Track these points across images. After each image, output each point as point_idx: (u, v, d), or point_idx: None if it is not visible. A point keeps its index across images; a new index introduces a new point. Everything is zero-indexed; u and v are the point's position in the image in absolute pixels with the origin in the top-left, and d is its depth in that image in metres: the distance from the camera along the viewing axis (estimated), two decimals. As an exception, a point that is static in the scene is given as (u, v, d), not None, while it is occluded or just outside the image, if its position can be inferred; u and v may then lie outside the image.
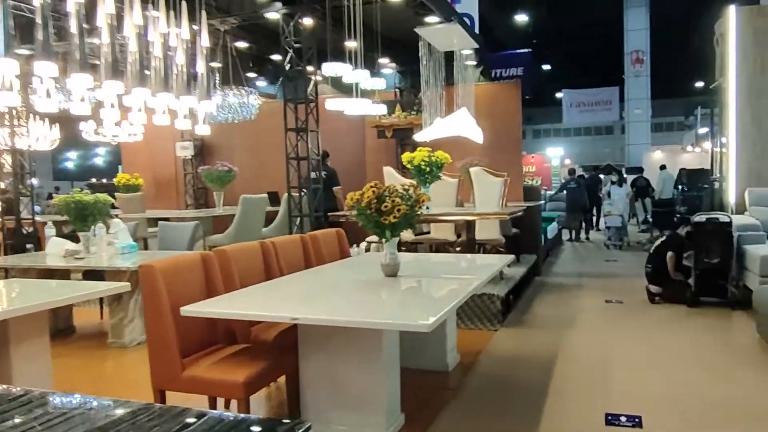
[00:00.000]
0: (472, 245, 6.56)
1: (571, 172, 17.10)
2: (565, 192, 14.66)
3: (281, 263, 4.23)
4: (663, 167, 15.92)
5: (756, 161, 8.04)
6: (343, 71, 6.58)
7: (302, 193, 8.04)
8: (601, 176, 15.97)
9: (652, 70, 24.57)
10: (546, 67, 35.84)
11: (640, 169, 16.10)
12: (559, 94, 35.20)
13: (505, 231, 7.56)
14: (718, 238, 6.82)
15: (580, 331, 5.97)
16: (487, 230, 7.12)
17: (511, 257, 5.21)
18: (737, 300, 6.73)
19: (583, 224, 14.31)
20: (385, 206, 3.51)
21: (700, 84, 40.29)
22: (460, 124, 7.60)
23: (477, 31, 13.91)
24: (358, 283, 3.95)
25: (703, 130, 30.12)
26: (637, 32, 24.03)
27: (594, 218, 15.13)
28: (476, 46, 8.91)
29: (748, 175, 8.08)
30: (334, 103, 7.68)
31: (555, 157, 24.91)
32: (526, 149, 30.11)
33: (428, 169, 6.29)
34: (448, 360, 4.64)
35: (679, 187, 12.98)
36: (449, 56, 8.73)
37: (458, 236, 7.16)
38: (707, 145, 22.53)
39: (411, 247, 7.12)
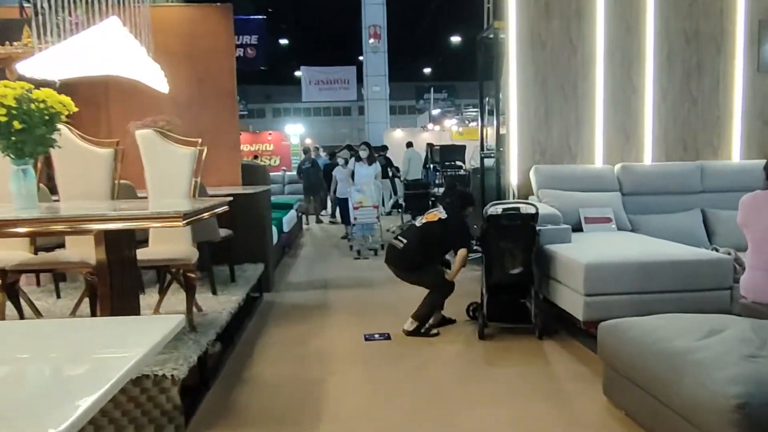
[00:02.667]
0: (125, 270, 3.33)
1: (306, 151, 15.17)
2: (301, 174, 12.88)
3: None
4: (410, 144, 14.14)
5: (542, 131, 6.05)
6: None
7: None
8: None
9: (388, 48, 23.23)
10: (284, 41, 33.12)
11: (384, 147, 14.13)
12: (298, 72, 32.81)
13: (205, 237, 4.50)
14: (521, 239, 4.55)
15: (328, 422, 3.18)
16: (169, 240, 3.98)
17: (177, 321, 2.15)
18: (543, 325, 4.56)
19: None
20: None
21: (428, 70, 41.43)
22: (106, 52, 4.30)
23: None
24: None
25: (435, 111, 30.13)
26: (374, 6, 22.40)
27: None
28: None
29: (532, 149, 6.06)
30: None
31: (294, 135, 22.35)
32: (268, 129, 27.16)
33: (25, 123, 2.91)
34: None
35: (430, 166, 11.15)
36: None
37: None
38: (448, 123, 21.83)
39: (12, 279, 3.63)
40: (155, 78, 5.00)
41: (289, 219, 9.11)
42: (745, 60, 6.18)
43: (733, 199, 3.70)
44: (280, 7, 26.59)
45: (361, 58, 31.29)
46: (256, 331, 4.85)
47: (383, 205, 10.86)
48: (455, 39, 33.21)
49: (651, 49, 6.10)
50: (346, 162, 9.66)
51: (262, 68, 26.59)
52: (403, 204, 10.21)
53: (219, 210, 3.48)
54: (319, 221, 13.27)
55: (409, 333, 4.70)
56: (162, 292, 4.21)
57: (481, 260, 4.86)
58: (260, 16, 24.32)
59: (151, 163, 4.05)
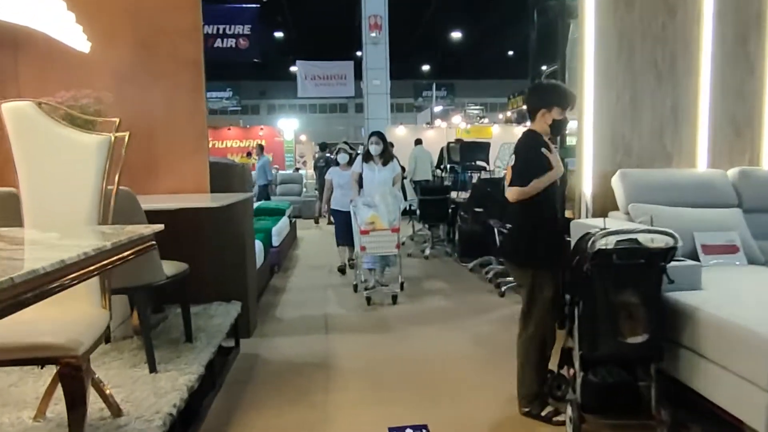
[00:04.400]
0: None
1: (323, 147, 13.67)
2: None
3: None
4: (419, 141, 12.34)
5: (627, 123, 4.30)
6: None
7: None
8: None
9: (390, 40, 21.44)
10: (279, 34, 31.31)
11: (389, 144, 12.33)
12: (294, 68, 30.96)
13: (136, 280, 2.72)
14: (645, 287, 2.80)
15: None
16: (55, 300, 2.19)
17: None
18: (672, 421, 2.81)
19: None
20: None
21: (426, 67, 39.67)
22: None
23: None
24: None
25: (437, 108, 28.36)
26: (374, -6, 20.58)
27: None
28: None
29: (613, 147, 4.31)
30: None
31: (288, 129, 20.50)
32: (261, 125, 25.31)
33: None
34: None
35: (446, 166, 9.39)
36: None
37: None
38: (456, 120, 20.06)
39: None
40: (68, 31, 3.21)
41: (279, 229, 7.31)
42: None
43: None
44: (276, -2, 24.79)
45: (359, 53, 29.56)
46: (221, 424, 3.06)
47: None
48: (456, 35, 31.52)
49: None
50: (350, 159, 7.04)
51: (256, 61, 24.83)
52: (418, 211, 8.42)
53: (141, 244, 1.72)
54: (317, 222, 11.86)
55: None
56: (47, 395, 2.41)
57: (568, 315, 3.08)
58: (254, 5, 22.53)
59: (27, 159, 2.26)
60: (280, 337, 4.62)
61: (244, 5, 22.54)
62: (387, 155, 6.16)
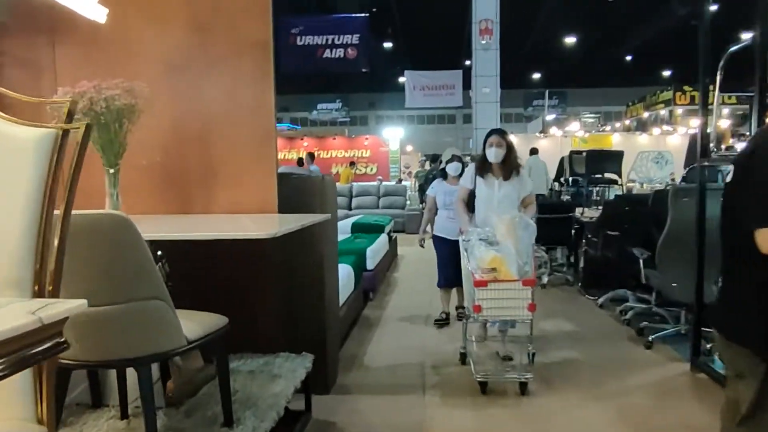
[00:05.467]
0: None
1: (434, 159, 12.68)
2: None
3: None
4: (534, 151, 11.01)
5: None
6: None
7: None
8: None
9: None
10: (388, 45, 30.73)
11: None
12: (402, 79, 30.26)
13: (138, 349, 1.76)
14: None
15: None
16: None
17: None
18: None
19: None
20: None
21: (537, 75, 37.69)
22: None
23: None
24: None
25: (550, 117, 26.55)
26: (486, -1, 19.36)
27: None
28: None
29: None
30: None
31: (394, 139, 19.62)
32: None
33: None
34: None
35: (566, 179, 8.02)
36: None
37: None
38: (575, 128, 18.39)
39: None
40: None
41: (376, 250, 6.30)
42: None
43: None
44: (385, 8, 24.13)
45: (468, 62, 28.34)
46: None
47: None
48: (569, 40, 29.54)
49: None
50: (461, 167, 5.08)
51: (364, 71, 24.30)
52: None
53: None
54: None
55: None
56: None
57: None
58: (363, 14, 21.96)
59: None
60: (365, 395, 3.56)
61: (353, 15, 22.01)
62: (511, 164, 4.20)
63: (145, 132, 2.71)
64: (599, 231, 5.82)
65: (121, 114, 2.55)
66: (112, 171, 2.60)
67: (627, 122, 23.48)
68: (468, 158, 14.65)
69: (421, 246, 5.59)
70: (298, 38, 22.34)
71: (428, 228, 5.44)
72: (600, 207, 6.96)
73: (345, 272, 4.81)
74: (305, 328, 3.29)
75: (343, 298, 4.45)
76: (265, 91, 3.06)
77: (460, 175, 4.90)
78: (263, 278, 3.13)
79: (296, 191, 3.32)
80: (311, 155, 14.07)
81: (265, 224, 2.66)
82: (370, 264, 5.93)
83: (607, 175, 7.55)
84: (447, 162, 5.23)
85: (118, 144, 2.59)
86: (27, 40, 3.15)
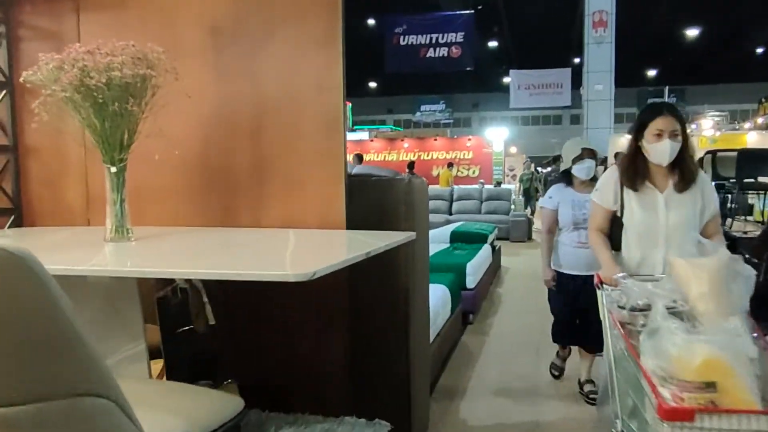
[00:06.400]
0: None
1: (555, 159, 11.63)
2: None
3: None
4: None
5: None
6: None
7: None
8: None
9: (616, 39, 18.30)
10: (493, 44, 29.47)
11: (616, 156, 9.70)
12: (507, 79, 28.85)
13: None
14: None
15: None
16: None
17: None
18: None
19: None
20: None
21: (652, 72, 34.80)
22: None
23: None
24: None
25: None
26: (600, -13, 17.74)
27: None
28: None
29: None
30: None
31: (498, 140, 18.40)
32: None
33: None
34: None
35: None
36: None
37: None
38: (708, 125, 16.40)
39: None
40: None
41: (478, 265, 5.34)
42: None
43: None
44: (491, 5, 22.88)
45: (577, 60, 26.40)
46: None
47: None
48: (691, 33, 26.88)
49: None
50: (594, 167, 3.50)
51: (468, 70, 23.17)
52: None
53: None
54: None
55: None
56: None
57: None
58: (468, 11, 20.91)
59: None
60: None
61: (457, 12, 21.00)
62: (689, 165, 2.51)
63: (177, 117, 1.97)
64: (762, 251, 4.54)
65: (127, 90, 1.81)
66: (114, 170, 1.86)
67: (760, 120, 20.85)
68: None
69: (552, 288, 3.57)
70: (402, 38, 21.66)
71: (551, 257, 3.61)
72: (750, 218, 5.62)
73: (440, 294, 3.92)
74: (382, 382, 2.43)
75: (435, 328, 3.56)
76: (332, 64, 2.22)
77: (594, 179, 3.39)
78: (325, 316, 2.30)
79: (373, 199, 2.46)
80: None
81: (313, 252, 1.82)
82: (471, 282, 4.98)
83: (761, 179, 6.15)
84: (575, 159, 3.47)
85: (121, 132, 1.85)
86: (47, 7, 2.51)
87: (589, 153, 3.50)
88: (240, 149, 2.32)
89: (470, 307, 4.99)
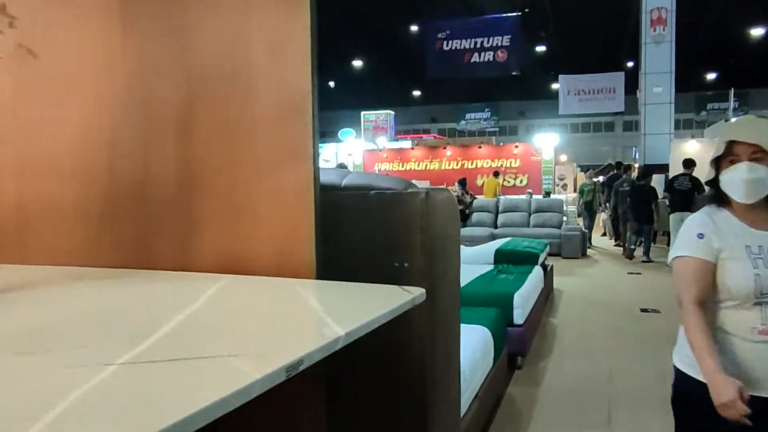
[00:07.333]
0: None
1: (618, 165, 11.06)
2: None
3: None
4: (689, 163, 8.36)
5: None
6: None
7: None
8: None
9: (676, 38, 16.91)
10: (540, 48, 28.29)
11: (689, 164, 8.45)
12: (555, 85, 27.56)
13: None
14: None
15: None
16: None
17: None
18: None
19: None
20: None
21: (712, 76, 32.80)
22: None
23: None
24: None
25: (733, 120, 22.56)
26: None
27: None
28: None
29: None
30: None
31: (547, 147, 17.26)
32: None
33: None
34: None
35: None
36: None
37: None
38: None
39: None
40: None
41: (527, 294, 4.37)
42: None
43: None
44: (538, 8, 21.73)
45: (630, 63, 24.92)
46: None
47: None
48: (756, 32, 25.09)
49: None
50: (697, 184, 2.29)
51: (514, 74, 22.07)
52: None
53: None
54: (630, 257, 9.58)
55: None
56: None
57: None
58: (515, 14, 19.88)
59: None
60: None
61: (503, 15, 19.98)
62: None
63: (60, 100, 1.17)
64: None
65: None
66: None
67: (836, 125, 19.00)
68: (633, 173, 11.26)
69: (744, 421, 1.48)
70: (445, 43, 20.78)
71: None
72: None
73: (479, 339, 3.01)
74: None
75: (473, 388, 2.66)
76: (296, 17, 1.37)
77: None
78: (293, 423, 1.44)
79: (371, 223, 1.60)
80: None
81: (256, 337, 0.96)
82: (519, 316, 4.04)
83: None
84: (718, 161, 1.73)
85: None
86: None
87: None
88: (159, 151, 1.49)
89: (518, 347, 4.04)
